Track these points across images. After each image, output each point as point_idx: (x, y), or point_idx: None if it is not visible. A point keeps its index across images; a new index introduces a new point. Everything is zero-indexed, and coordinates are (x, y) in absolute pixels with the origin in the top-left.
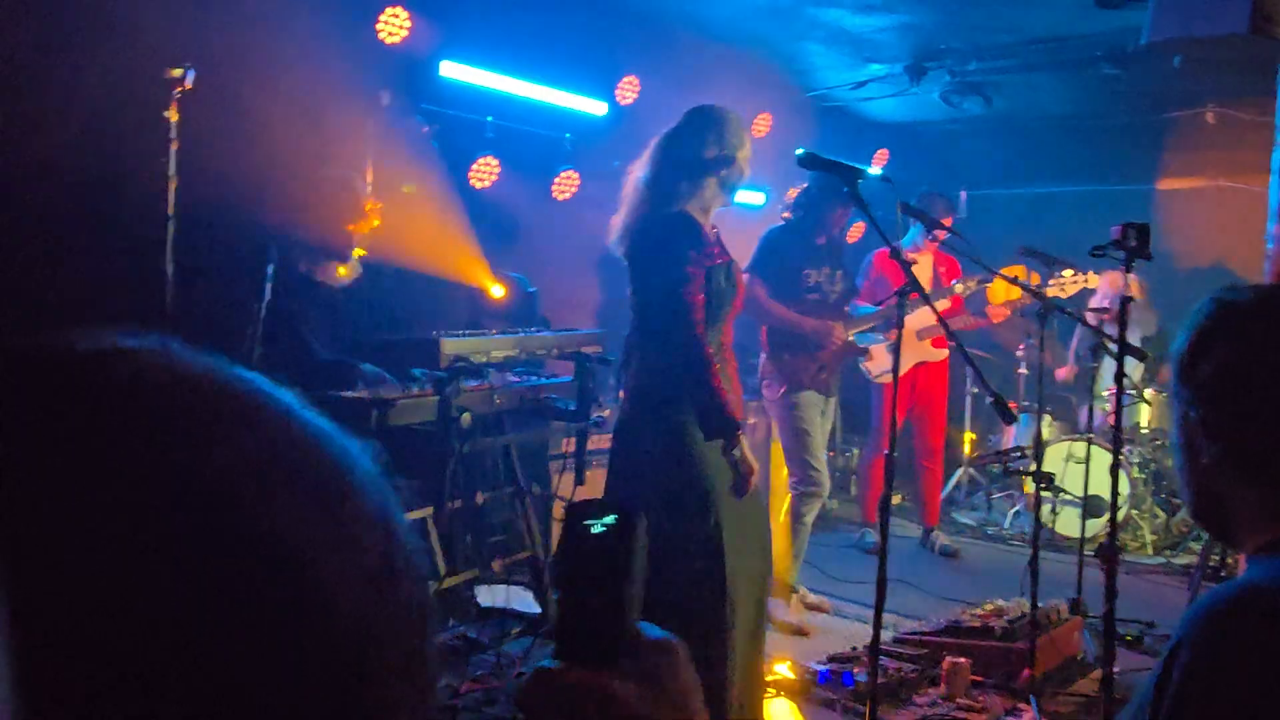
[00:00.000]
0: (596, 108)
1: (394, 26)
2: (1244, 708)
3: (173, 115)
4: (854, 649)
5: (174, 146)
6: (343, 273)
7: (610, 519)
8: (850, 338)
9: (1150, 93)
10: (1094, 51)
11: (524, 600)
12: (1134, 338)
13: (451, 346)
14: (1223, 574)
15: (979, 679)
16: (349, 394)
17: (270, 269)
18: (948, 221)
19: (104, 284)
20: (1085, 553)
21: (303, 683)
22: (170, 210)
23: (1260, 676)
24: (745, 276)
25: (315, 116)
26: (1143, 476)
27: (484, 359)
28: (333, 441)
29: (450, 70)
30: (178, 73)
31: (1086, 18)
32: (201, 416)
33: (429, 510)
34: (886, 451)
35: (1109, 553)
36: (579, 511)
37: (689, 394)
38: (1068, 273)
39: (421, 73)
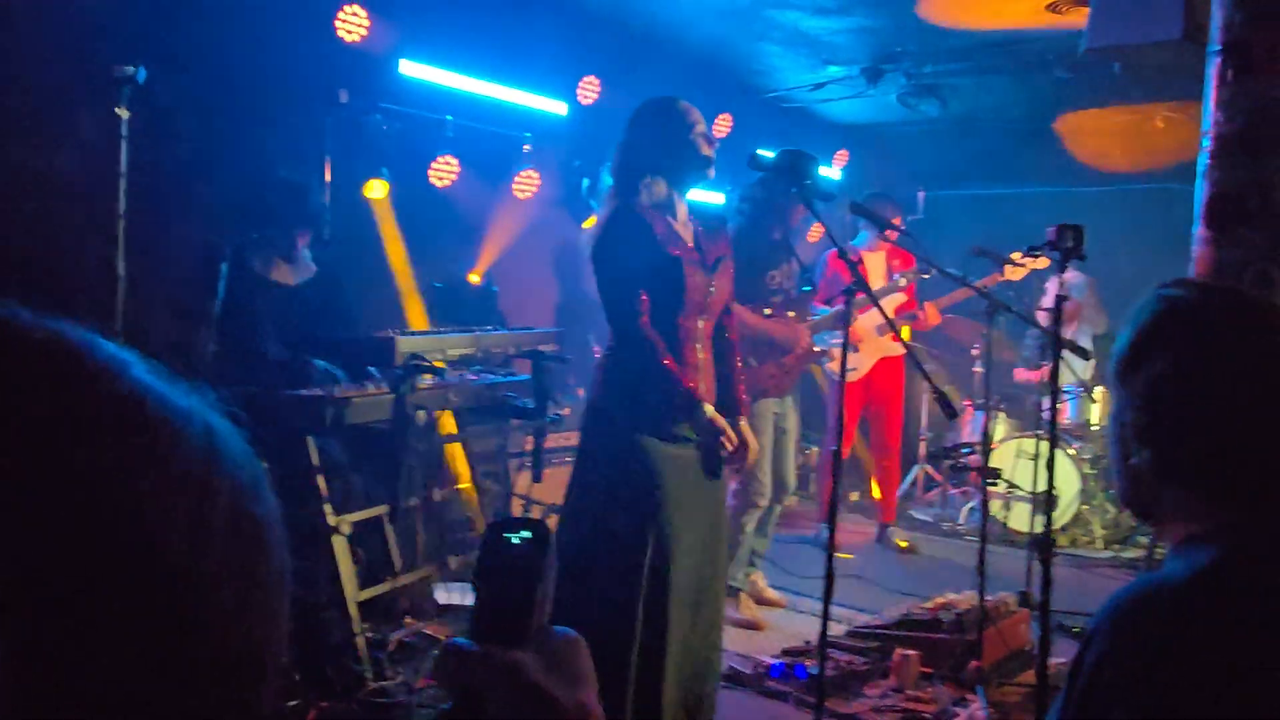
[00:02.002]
0: (557, 108)
1: (352, 25)
2: (1145, 697)
3: (123, 113)
4: (807, 643)
5: (125, 144)
6: (297, 272)
7: (526, 533)
8: (816, 346)
9: (1100, 96)
10: (1045, 55)
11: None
12: (1085, 337)
13: (407, 345)
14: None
15: (928, 671)
16: (303, 392)
17: (224, 268)
18: (896, 220)
19: (55, 282)
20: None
21: (131, 627)
22: (122, 208)
23: (1161, 667)
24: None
25: (272, 114)
26: (1093, 473)
27: (440, 357)
28: (158, 398)
29: (409, 69)
30: (129, 70)
31: (1037, 22)
32: (28, 370)
33: (384, 508)
34: (834, 449)
35: (1043, 546)
36: (500, 525)
37: (643, 384)
38: (1016, 255)
39: (380, 71)
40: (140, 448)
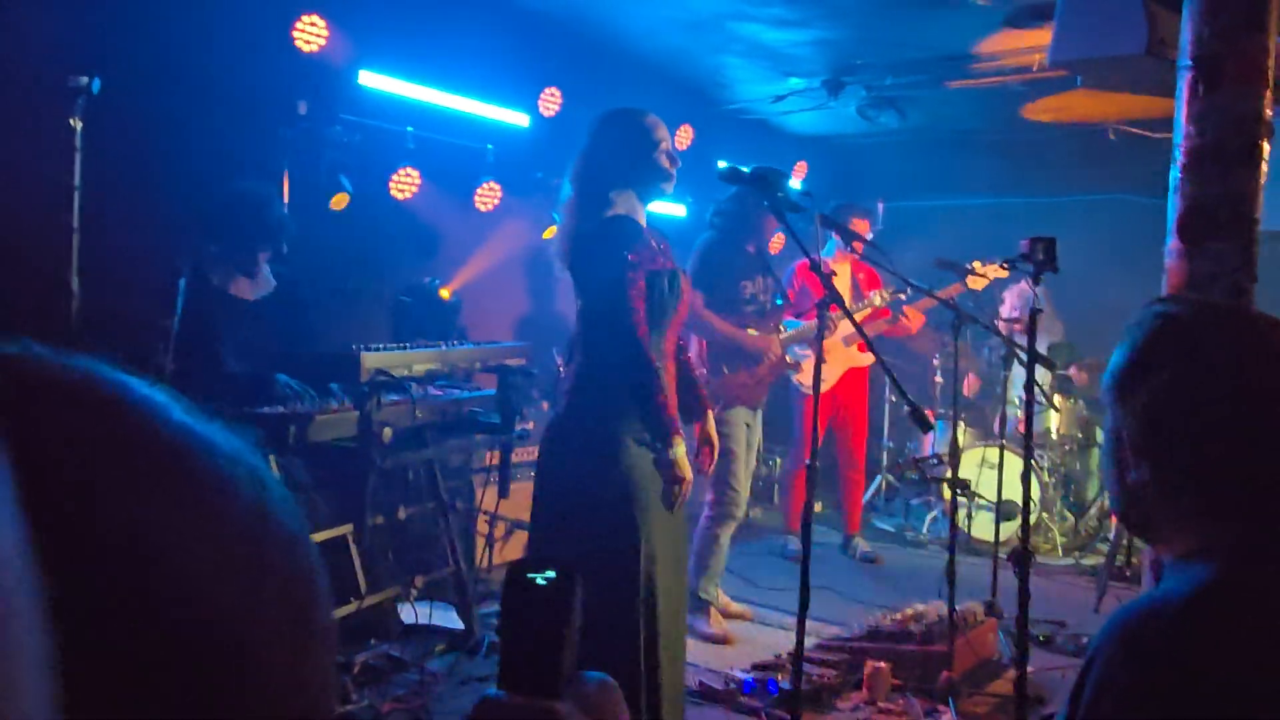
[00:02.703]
0: (519, 119)
1: (311, 35)
2: (1149, 716)
3: (76, 123)
4: (777, 656)
5: (79, 156)
6: (257, 287)
7: (551, 573)
8: (787, 357)
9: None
10: (1003, 69)
11: (447, 616)
12: (1041, 345)
13: (372, 360)
14: (1127, 574)
15: (899, 683)
16: (265, 410)
17: (182, 283)
18: (864, 226)
19: (6, 297)
20: (999, 555)
21: (185, 699)
22: (75, 222)
23: (1164, 686)
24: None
25: (229, 126)
26: (1052, 481)
27: (405, 372)
28: (205, 446)
29: (369, 80)
30: (83, 80)
31: (996, 37)
32: (65, 425)
33: (349, 527)
34: (808, 462)
35: (1021, 558)
36: (523, 566)
37: (632, 398)
38: (976, 264)
39: (340, 82)
40: (190, 505)
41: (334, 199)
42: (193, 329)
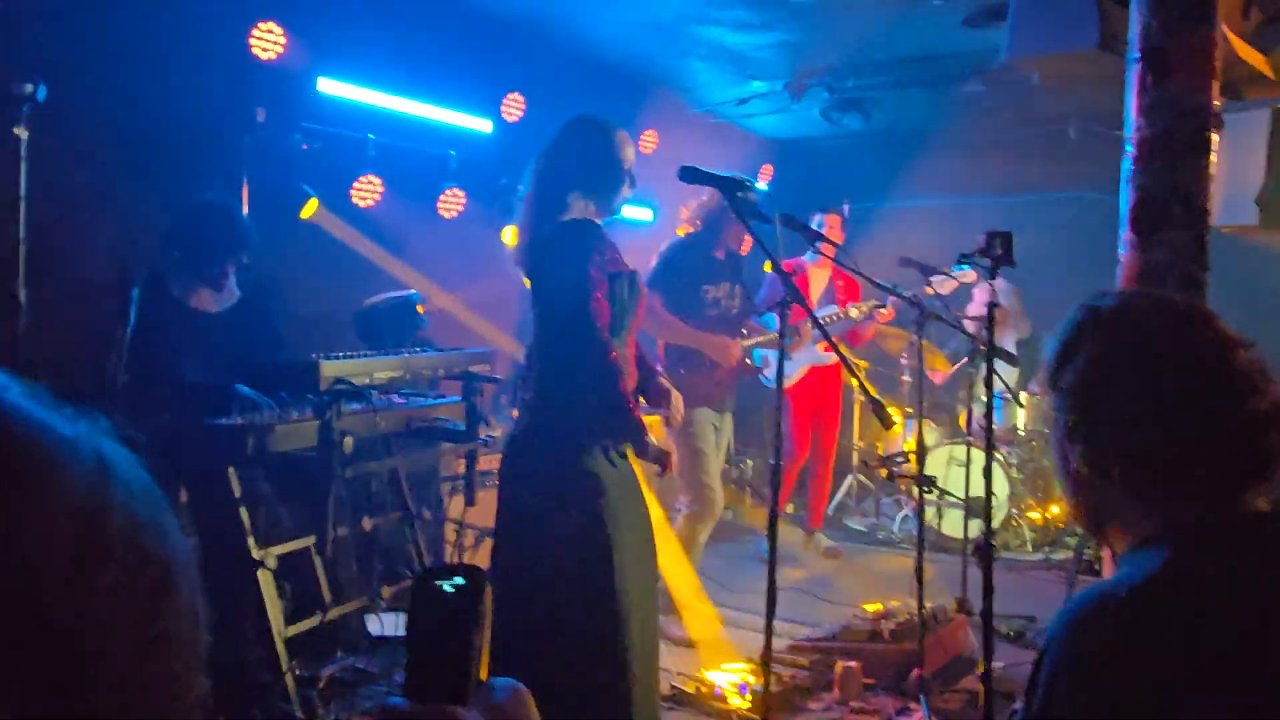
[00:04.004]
0: (482, 125)
1: (268, 42)
2: (1103, 702)
3: (22, 132)
4: (748, 658)
5: (24, 165)
6: (220, 299)
7: (460, 580)
8: (746, 359)
9: (1016, 109)
10: (963, 69)
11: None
12: (1009, 343)
13: (332, 369)
14: (1096, 568)
15: (871, 682)
16: (224, 421)
17: (136, 293)
18: (836, 222)
19: None
20: (968, 552)
21: (7, 689)
22: (22, 232)
23: (1117, 672)
24: (645, 289)
25: (185, 134)
26: (1020, 476)
27: (367, 380)
28: (35, 424)
29: (328, 87)
30: (28, 88)
31: (955, 37)
32: None
33: (312, 539)
34: (773, 462)
35: (984, 552)
36: (431, 573)
37: (597, 402)
38: (945, 270)
39: (299, 90)
40: (10, 480)
41: (304, 207)
42: (148, 340)
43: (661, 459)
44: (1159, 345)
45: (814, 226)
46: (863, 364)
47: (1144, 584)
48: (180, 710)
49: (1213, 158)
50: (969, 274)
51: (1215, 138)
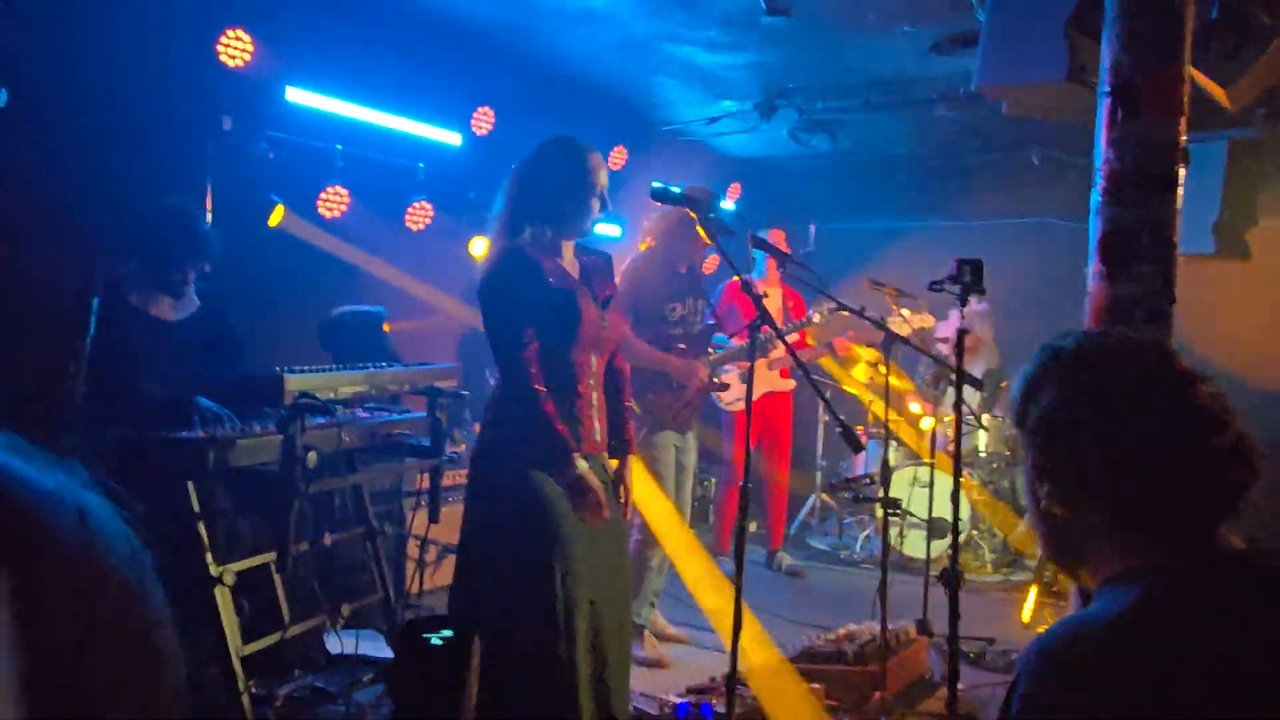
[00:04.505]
0: (451, 138)
1: (235, 49)
2: None
3: None
4: (712, 679)
5: None
6: (180, 307)
7: (448, 633)
8: (713, 379)
9: (981, 134)
10: (930, 95)
11: (376, 645)
12: (978, 370)
13: (296, 383)
14: (1054, 588)
15: (834, 703)
16: (184, 434)
17: (95, 302)
18: (780, 237)
19: None
20: (930, 574)
21: None
22: None
23: (1087, 707)
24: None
25: (149, 141)
26: (982, 499)
27: (331, 395)
28: (19, 483)
29: (296, 96)
30: None
31: (923, 63)
32: None
33: (272, 555)
34: (741, 483)
35: (950, 577)
36: (417, 625)
37: (528, 429)
38: (905, 312)
39: (266, 98)
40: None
41: (272, 214)
42: (107, 351)
43: (577, 494)
44: (1122, 384)
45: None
46: (864, 365)
47: (1117, 619)
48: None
49: (1179, 192)
50: (927, 319)
51: (1182, 173)
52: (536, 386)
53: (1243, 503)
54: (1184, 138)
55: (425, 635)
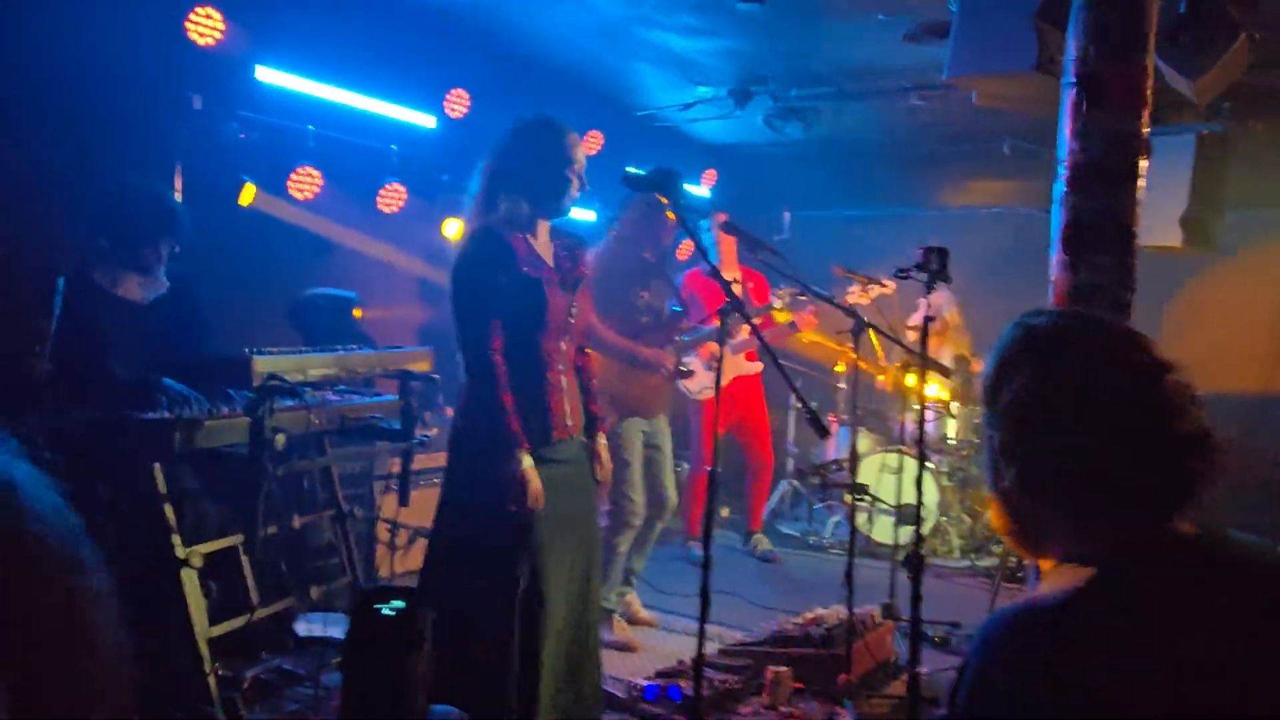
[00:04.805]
0: (425, 120)
1: (205, 27)
2: (1013, 716)
3: None
4: (680, 663)
5: None
6: (149, 288)
7: (399, 603)
8: (681, 366)
9: (953, 124)
10: (903, 84)
11: (345, 628)
12: (947, 357)
13: (265, 365)
14: (1019, 575)
15: (800, 686)
16: (150, 416)
17: (61, 282)
18: (723, 219)
19: None
20: (897, 559)
21: None
22: None
23: (1036, 686)
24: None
25: (115, 120)
26: (950, 485)
27: (300, 377)
28: None
29: (267, 75)
30: None
31: (896, 52)
32: None
33: (240, 537)
34: (710, 469)
35: (914, 562)
36: (369, 595)
37: (486, 407)
38: (861, 279)
39: (236, 77)
40: None
41: (242, 192)
42: (73, 331)
43: (516, 491)
44: (1094, 368)
45: (706, 227)
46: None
47: (1069, 601)
48: (59, 683)
49: (1141, 183)
50: (888, 285)
51: (1144, 164)
52: (498, 379)
53: (1201, 491)
54: (1147, 129)
55: (377, 606)
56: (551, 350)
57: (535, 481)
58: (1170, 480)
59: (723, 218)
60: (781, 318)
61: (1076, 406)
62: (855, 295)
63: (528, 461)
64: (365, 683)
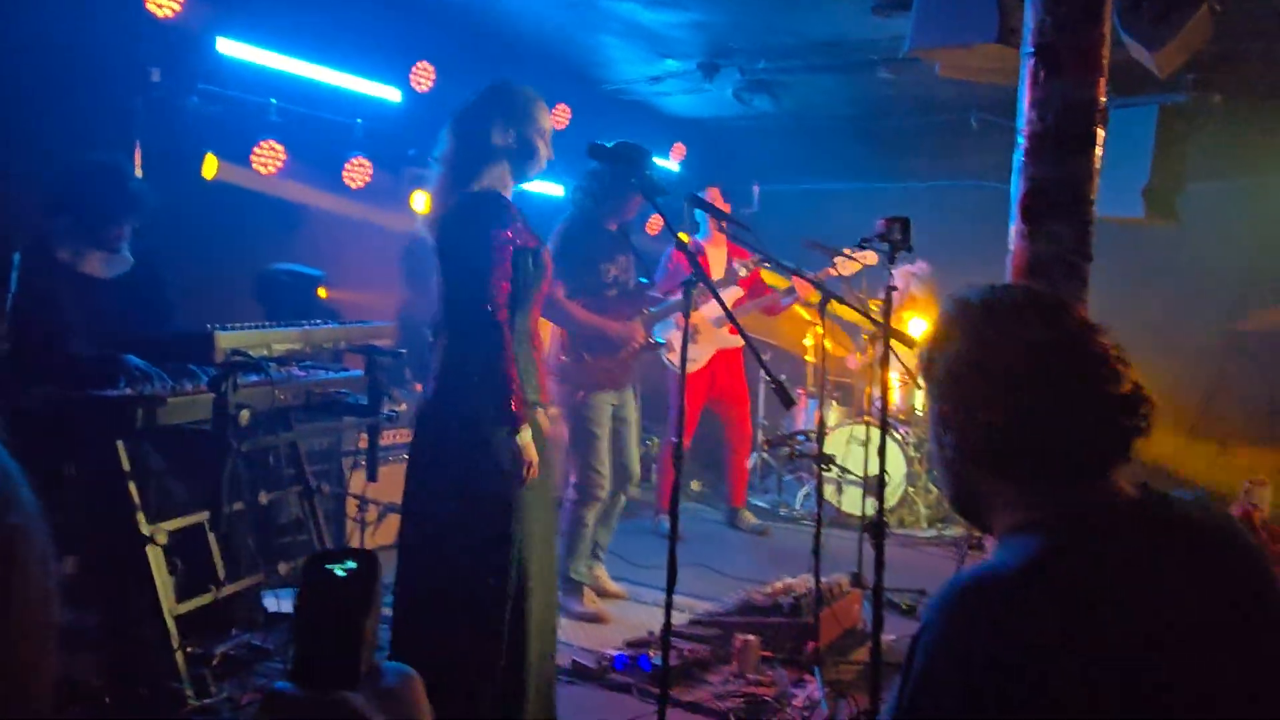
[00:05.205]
0: (390, 94)
1: None
2: (970, 683)
3: None
4: (650, 633)
5: None
6: (112, 264)
7: (351, 564)
8: (650, 338)
9: (921, 97)
10: (870, 56)
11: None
12: (917, 328)
13: (227, 340)
14: (983, 542)
15: (769, 654)
16: (111, 393)
17: (17, 257)
18: (715, 194)
19: None
20: (863, 529)
21: None
22: None
23: (990, 655)
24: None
25: (72, 93)
26: (918, 456)
27: (265, 352)
28: None
29: (228, 48)
30: None
31: (862, 25)
32: None
33: (205, 514)
34: (675, 440)
35: (876, 529)
36: (321, 558)
37: (488, 383)
38: (847, 250)
39: (196, 50)
40: None
41: (204, 165)
42: (31, 307)
43: (516, 463)
44: (1024, 334)
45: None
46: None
47: (1021, 568)
48: (34, 673)
49: (1099, 152)
50: (869, 255)
51: (1101, 133)
52: (505, 345)
53: (1135, 449)
54: (1104, 98)
55: (329, 567)
56: (535, 319)
57: (534, 454)
58: (1107, 440)
59: (715, 192)
60: (776, 282)
61: (1010, 372)
62: (841, 266)
63: (527, 436)
64: (317, 642)
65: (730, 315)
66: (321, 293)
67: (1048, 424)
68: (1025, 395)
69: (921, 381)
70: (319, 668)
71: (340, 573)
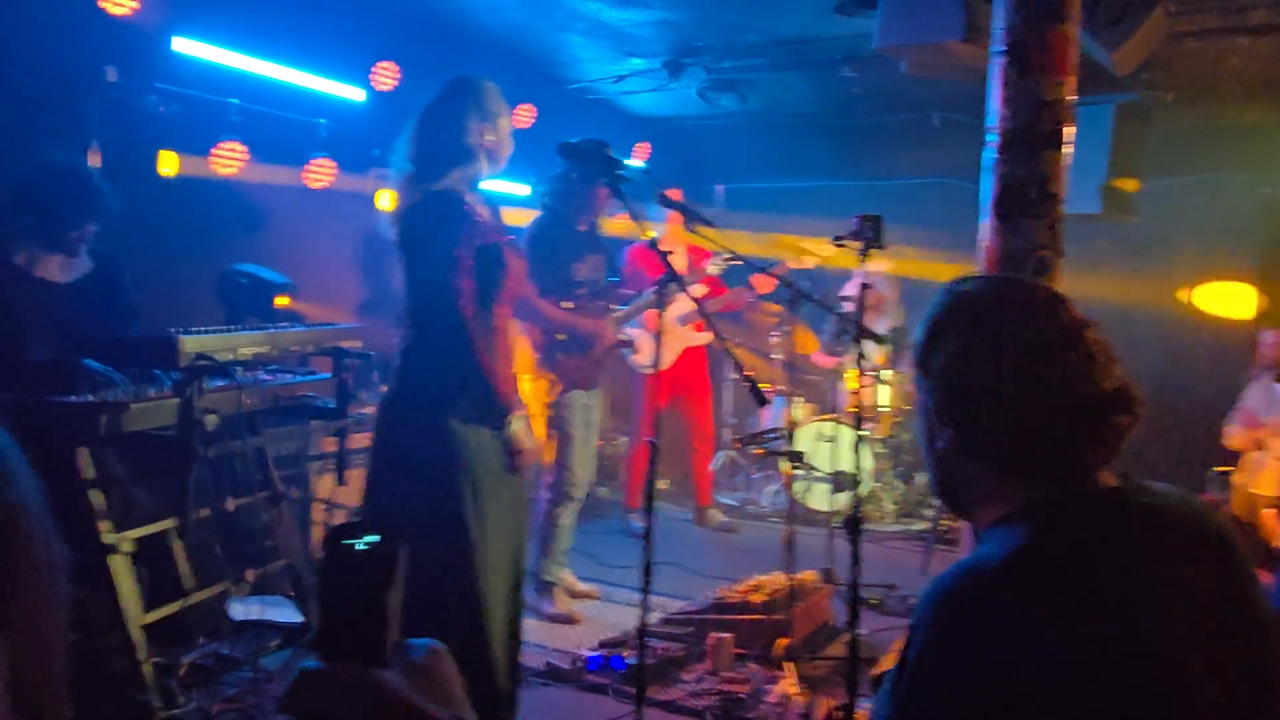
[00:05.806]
0: (353, 93)
1: None
2: (964, 682)
3: None
4: (623, 633)
5: None
6: (70, 268)
7: (373, 538)
8: (620, 336)
9: (884, 95)
10: (835, 55)
11: (282, 610)
12: (884, 328)
13: (192, 344)
14: (948, 536)
15: (742, 651)
16: (73, 399)
17: None
18: (678, 194)
19: None
20: (834, 525)
21: None
22: None
23: (980, 648)
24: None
25: (25, 93)
26: (884, 451)
27: (230, 356)
28: None
29: (184, 47)
30: None
31: (827, 23)
32: None
33: (171, 522)
34: (649, 439)
35: (853, 525)
36: (342, 531)
37: (459, 380)
38: (808, 242)
39: (153, 49)
40: None
41: (161, 162)
42: None
43: (511, 450)
44: (1024, 329)
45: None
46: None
47: (1007, 560)
48: (55, 631)
49: (1068, 150)
50: (827, 249)
51: (1070, 130)
52: (477, 341)
53: (1124, 444)
54: (1072, 96)
55: (349, 541)
56: (503, 316)
57: (528, 440)
58: (1098, 434)
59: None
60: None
61: (1009, 367)
62: (801, 259)
63: (519, 423)
64: (342, 617)
65: (704, 311)
66: (284, 300)
67: (1044, 419)
68: (1024, 391)
69: (918, 378)
70: (346, 644)
71: (361, 547)
